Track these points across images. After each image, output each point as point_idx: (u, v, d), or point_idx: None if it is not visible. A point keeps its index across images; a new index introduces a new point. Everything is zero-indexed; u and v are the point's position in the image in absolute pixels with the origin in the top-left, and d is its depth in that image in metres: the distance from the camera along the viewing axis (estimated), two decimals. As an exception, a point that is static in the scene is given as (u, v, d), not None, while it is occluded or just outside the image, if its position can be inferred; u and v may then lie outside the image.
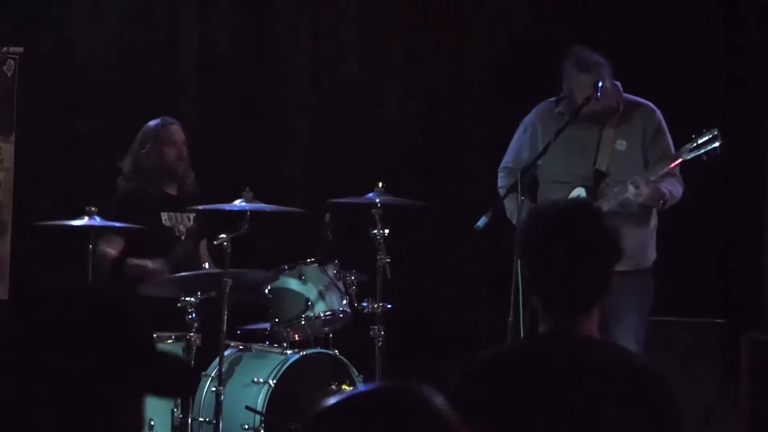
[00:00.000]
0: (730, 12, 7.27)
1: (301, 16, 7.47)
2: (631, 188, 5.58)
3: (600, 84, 5.67)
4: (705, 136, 5.61)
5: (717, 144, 5.58)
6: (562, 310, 2.90)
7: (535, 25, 7.48)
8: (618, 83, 5.82)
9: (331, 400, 1.82)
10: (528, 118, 6.01)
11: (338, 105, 7.54)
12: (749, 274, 7.06)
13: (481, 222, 5.53)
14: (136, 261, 6.19)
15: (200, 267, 6.12)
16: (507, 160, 6.07)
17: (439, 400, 1.80)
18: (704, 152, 5.60)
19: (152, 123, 6.41)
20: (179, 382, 1.91)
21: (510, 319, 5.28)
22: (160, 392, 1.94)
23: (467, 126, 7.50)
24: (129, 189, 6.33)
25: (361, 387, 1.87)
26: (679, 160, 5.66)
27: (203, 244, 6.41)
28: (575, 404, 2.79)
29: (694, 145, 5.62)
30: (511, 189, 5.62)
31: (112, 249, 6.19)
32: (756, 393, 6.19)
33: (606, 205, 5.65)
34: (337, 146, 7.51)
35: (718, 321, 6.70)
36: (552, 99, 5.92)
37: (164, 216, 6.33)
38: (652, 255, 5.87)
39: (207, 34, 7.39)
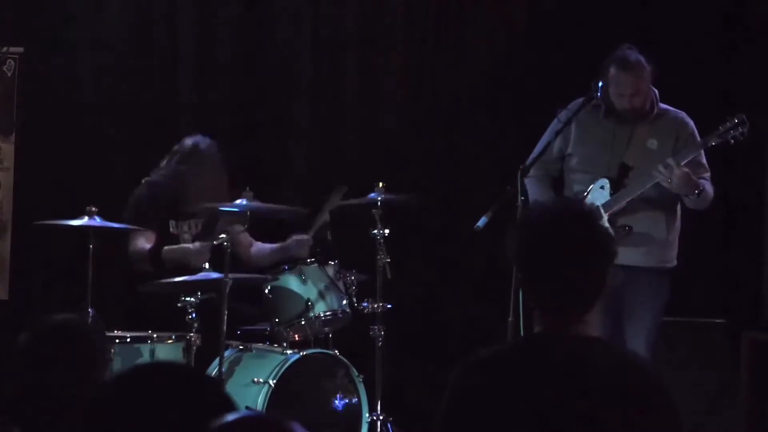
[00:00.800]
0: (730, 13, 7.28)
1: (302, 17, 7.47)
2: (661, 168, 5.63)
3: (600, 84, 5.72)
4: (731, 122, 5.71)
5: (745, 128, 5.67)
6: (558, 313, 2.90)
7: (535, 25, 7.47)
8: (655, 90, 5.88)
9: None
10: (563, 113, 6.03)
11: (338, 105, 7.53)
12: (749, 274, 7.05)
13: (481, 222, 5.54)
14: (173, 247, 6.18)
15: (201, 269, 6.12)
16: (537, 151, 6.06)
17: None
18: (731, 136, 5.68)
19: (198, 144, 6.35)
20: None
21: (510, 319, 5.28)
22: None
23: (468, 126, 7.50)
24: (144, 192, 6.30)
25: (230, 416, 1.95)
26: (708, 145, 5.76)
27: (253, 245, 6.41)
28: (573, 404, 2.79)
29: (721, 131, 5.70)
30: (511, 188, 5.63)
31: (146, 243, 6.18)
32: (756, 393, 6.19)
33: (629, 195, 5.71)
34: (337, 146, 7.50)
35: (718, 321, 6.70)
36: (581, 99, 5.93)
37: (171, 224, 6.33)
38: (674, 257, 5.91)
39: (207, 33, 7.38)
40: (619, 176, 5.84)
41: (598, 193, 5.80)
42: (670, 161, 5.67)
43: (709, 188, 5.79)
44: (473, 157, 7.43)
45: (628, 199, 5.76)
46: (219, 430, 1.90)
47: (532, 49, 7.36)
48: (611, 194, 5.78)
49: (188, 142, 6.33)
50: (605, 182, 5.82)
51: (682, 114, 5.95)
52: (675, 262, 5.92)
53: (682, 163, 5.70)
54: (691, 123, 5.93)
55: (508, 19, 7.54)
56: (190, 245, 6.16)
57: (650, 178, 5.73)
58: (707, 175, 5.85)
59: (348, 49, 7.51)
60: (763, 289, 6.90)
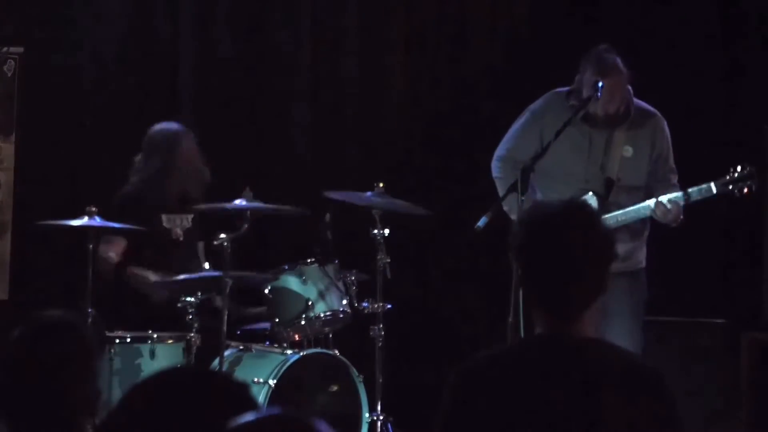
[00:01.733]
0: (729, 14, 7.28)
1: (301, 16, 7.47)
2: (661, 209, 5.56)
3: (600, 84, 5.63)
4: (739, 173, 5.58)
5: (753, 182, 5.55)
6: (559, 312, 2.90)
7: (535, 25, 7.47)
8: (629, 89, 5.77)
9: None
10: (536, 108, 5.92)
11: (338, 105, 7.53)
12: (749, 274, 7.05)
13: (481, 222, 5.51)
14: (137, 271, 6.16)
15: (201, 268, 6.11)
16: (507, 148, 5.96)
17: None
18: (736, 188, 5.57)
19: (168, 129, 6.36)
20: None
21: (510, 319, 5.26)
22: None
23: (468, 126, 7.50)
24: (130, 190, 6.31)
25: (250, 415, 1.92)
26: (713, 192, 5.61)
27: (201, 246, 6.41)
28: (574, 405, 2.79)
29: (726, 180, 5.59)
30: (512, 188, 5.57)
31: (113, 251, 6.17)
32: (756, 393, 6.19)
33: (621, 218, 5.63)
34: (337, 146, 7.50)
35: (718, 321, 6.70)
36: (562, 90, 5.86)
37: (164, 218, 6.33)
38: (643, 258, 5.86)
39: (207, 34, 7.38)
40: (606, 192, 5.74)
41: None
42: (671, 206, 5.57)
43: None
44: (474, 157, 7.42)
45: (615, 226, 5.62)
46: (243, 429, 1.89)
47: (534, 48, 7.35)
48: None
49: (156, 130, 6.36)
50: (592, 199, 5.71)
51: (657, 118, 5.82)
52: (644, 263, 5.88)
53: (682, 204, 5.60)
54: (666, 128, 5.82)
55: (509, 19, 7.54)
56: (150, 274, 6.12)
57: (641, 210, 5.64)
58: (675, 178, 5.77)
59: (348, 48, 7.51)
60: (763, 290, 6.89)
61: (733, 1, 7.31)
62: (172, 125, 6.40)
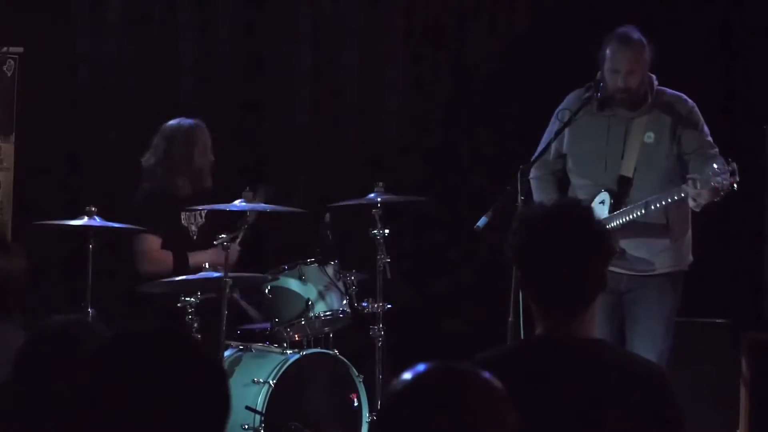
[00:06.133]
0: (730, 14, 7.28)
1: (301, 16, 7.47)
2: (691, 194, 5.45)
3: (601, 84, 5.63)
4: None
5: (734, 178, 5.40)
6: (557, 312, 2.90)
7: (536, 25, 7.47)
8: (652, 76, 5.70)
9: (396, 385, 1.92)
10: (558, 109, 5.85)
11: (338, 105, 7.53)
12: (750, 274, 7.05)
13: (481, 222, 5.52)
14: (196, 254, 6.20)
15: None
16: (538, 150, 5.84)
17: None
18: (719, 184, 5.44)
19: (182, 123, 6.36)
20: None
21: (510, 319, 5.27)
22: None
23: (467, 126, 7.50)
24: (152, 189, 6.31)
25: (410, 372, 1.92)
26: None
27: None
28: (576, 405, 2.79)
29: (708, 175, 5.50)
30: (541, 180, 5.62)
31: (154, 245, 6.20)
32: (756, 393, 6.19)
33: (627, 215, 5.54)
34: (337, 146, 7.50)
35: (718, 321, 6.69)
36: (581, 89, 5.85)
37: (183, 216, 6.34)
38: (682, 258, 5.77)
39: (207, 34, 7.39)
40: (620, 189, 5.68)
41: (597, 208, 5.53)
42: (697, 189, 5.38)
43: (723, 176, 5.43)
44: (473, 157, 7.43)
45: (626, 219, 5.54)
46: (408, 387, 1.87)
47: (534, 48, 7.35)
48: (610, 210, 5.60)
49: (174, 126, 6.36)
50: (605, 196, 5.66)
51: (678, 95, 5.72)
52: (686, 264, 5.79)
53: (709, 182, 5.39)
54: (689, 106, 5.68)
55: (509, 19, 7.54)
56: (207, 252, 6.18)
57: (647, 204, 5.53)
58: (715, 150, 5.61)
59: (348, 48, 7.51)
60: (763, 290, 6.89)
61: (734, 1, 7.31)
62: (187, 120, 6.39)
